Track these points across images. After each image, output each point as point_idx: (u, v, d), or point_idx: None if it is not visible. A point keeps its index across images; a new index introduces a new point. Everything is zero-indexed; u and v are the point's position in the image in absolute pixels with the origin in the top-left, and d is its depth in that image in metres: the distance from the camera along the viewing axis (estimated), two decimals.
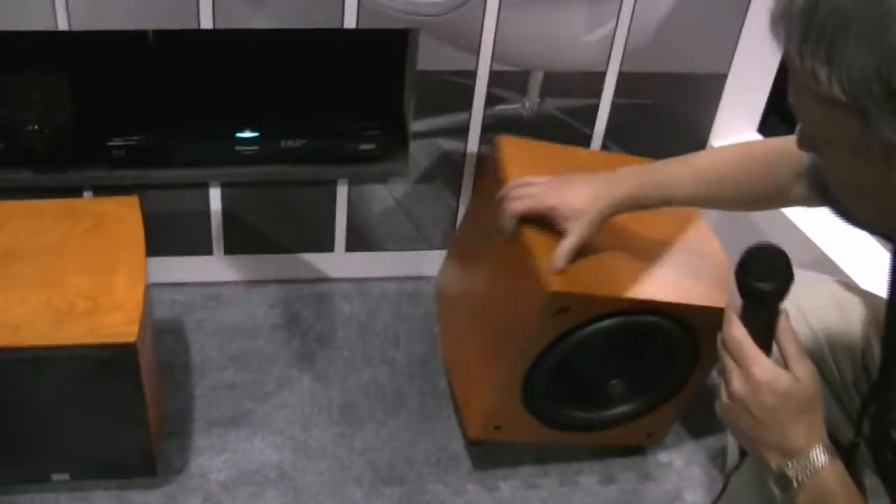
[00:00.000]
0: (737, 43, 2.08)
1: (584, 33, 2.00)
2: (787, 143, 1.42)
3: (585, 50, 2.03)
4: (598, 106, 2.12)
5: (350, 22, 1.91)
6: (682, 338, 1.71)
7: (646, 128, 2.13)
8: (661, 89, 2.12)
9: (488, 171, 1.93)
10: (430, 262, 2.25)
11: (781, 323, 1.22)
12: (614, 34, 2.02)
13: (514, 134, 2.09)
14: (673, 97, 2.14)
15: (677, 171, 1.62)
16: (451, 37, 1.96)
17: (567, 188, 1.66)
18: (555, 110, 2.10)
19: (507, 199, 1.68)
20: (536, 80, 2.04)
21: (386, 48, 2.03)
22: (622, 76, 2.08)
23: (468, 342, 1.89)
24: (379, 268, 2.27)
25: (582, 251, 1.63)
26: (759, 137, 2.25)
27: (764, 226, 2.06)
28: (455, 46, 1.97)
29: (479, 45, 1.97)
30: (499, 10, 1.93)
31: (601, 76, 2.08)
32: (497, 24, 1.95)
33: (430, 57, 1.98)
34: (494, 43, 1.97)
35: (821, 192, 1.42)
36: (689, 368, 1.78)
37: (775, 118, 2.34)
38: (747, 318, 1.22)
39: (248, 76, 2.12)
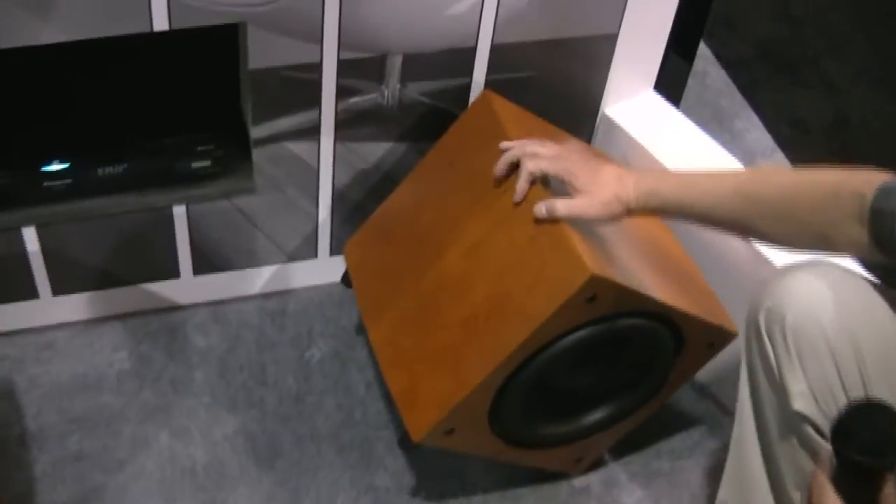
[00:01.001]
0: None
1: (448, 6, 1.68)
2: (848, 176, 1.26)
3: (450, 24, 1.71)
4: (469, 86, 1.81)
5: (161, 23, 1.56)
6: (668, 339, 1.59)
7: (529, 102, 1.80)
8: (543, 58, 1.82)
9: (472, 127, 1.67)
10: (293, 275, 1.97)
11: (887, 489, 1.03)
12: (483, 3, 1.70)
13: (376, 126, 1.79)
14: (557, 65, 1.84)
15: (713, 181, 1.42)
16: (287, 27, 1.62)
17: (590, 162, 1.50)
18: (419, 95, 1.79)
19: (525, 157, 1.50)
20: (395, 64, 1.73)
21: (210, 48, 1.68)
22: (496, 49, 1.76)
23: (428, 326, 1.58)
24: (235, 288, 1.96)
25: (594, 241, 1.48)
26: (656, 95, 1.97)
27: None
28: (294, 37, 1.64)
29: (322, 32, 1.65)
30: None
31: (471, 52, 1.76)
32: (341, 6, 1.62)
33: (265, 52, 1.64)
34: (340, 28, 1.65)
35: (886, 245, 1.21)
36: (668, 370, 1.65)
37: (677, 58, 2.08)
38: (843, 484, 1.04)
39: (50, 99, 1.74)
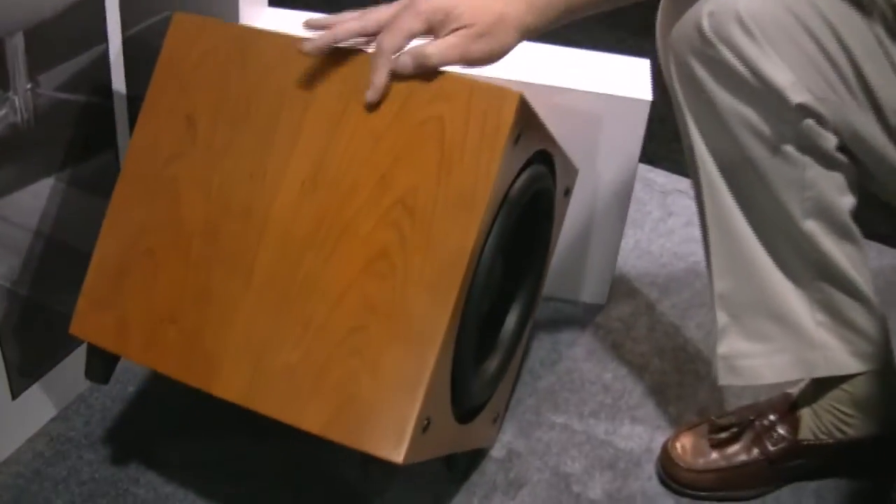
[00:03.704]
0: None
1: None
2: None
3: None
4: (107, 53, 1.24)
5: None
6: (552, 183, 1.28)
7: None
8: None
9: (196, 61, 1.14)
10: None
11: None
12: None
13: (18, 161, 1.16)
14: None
15: None
16: None
17: None
18: (55, 92, 1.18)
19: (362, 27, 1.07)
20: (17, 52, 1.10)
21: None
22: None
23: (311, 314, 1.05)
24: None
25: None
26: (273, 8, 1.57)
27: None
28: None
29: None
30: None
31: (100, 6, 1.20)
32: None
33: None
34: None
35: None
36: (551, 227, 1.34)
37: None
38: None
39: None
